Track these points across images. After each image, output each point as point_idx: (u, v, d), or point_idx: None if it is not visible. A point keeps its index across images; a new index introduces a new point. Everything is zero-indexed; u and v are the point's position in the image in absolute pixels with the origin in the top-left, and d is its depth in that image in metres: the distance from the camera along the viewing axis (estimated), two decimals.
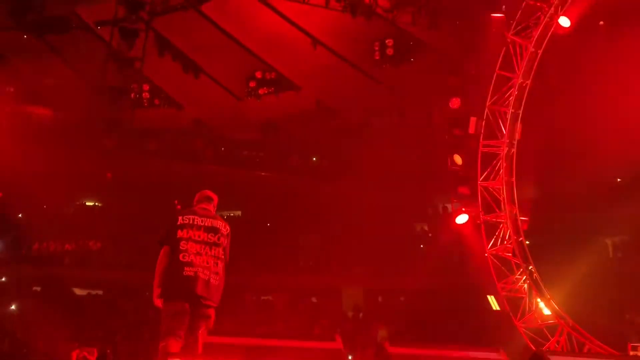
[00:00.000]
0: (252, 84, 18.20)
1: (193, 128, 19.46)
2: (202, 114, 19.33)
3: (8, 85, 17.91)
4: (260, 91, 18.10)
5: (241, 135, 19.66)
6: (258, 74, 18.07)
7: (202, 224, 4.98)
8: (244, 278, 17.75)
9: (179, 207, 21.53)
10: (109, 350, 11.77)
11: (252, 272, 17.65)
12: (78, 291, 17.26)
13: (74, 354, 4.84)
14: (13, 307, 15.30)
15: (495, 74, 11.57)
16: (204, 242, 4.96)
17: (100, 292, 17.25)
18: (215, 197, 5.36)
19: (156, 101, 18.42)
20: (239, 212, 21.12)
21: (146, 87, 17.90)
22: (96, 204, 20.29)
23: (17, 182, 16.62)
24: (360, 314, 17.22)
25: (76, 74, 17.12)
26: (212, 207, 5.30)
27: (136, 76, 12.52)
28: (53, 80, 17.50)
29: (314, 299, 18.83)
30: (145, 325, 14.55)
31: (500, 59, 11.53)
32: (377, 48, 15.92)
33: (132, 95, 12.67)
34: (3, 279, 16.85)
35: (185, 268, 4.61)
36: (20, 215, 17.91)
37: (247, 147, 19.72)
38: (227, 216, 21.24)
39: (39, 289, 16.77)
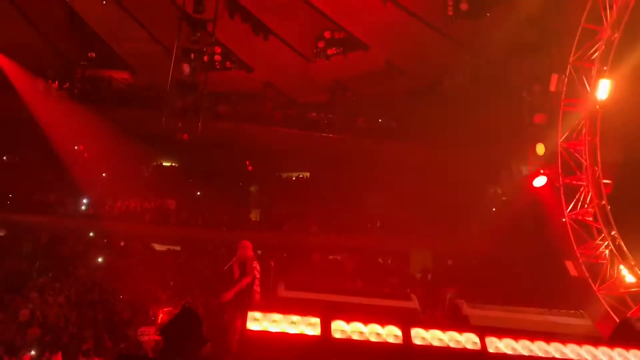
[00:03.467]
0: (320, 45, 18.06)
1: (263, 90, 19.69)
2: (272, 76, 19.47)
3: (89, 50, 18.81)
4: (329, 51, 17.94)
5: (309, 97, 19.64)
6: (327, 34, 17.89)
7: None
8: (312, 238, 18.11)
9: (250, 168, 22.10)
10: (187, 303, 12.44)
11: (320, 233, 17.93)
12: (157, 247, 18.23)
13: (160, 312, 5.16)
14: (100, 259, 16.41)
15: (580, 27, 10.75)
16: None
17: (178, 248, 18.14)
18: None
19: (227, 64, 18.72)
20: (307, 174, 21.34)
21: (218, 49, 18.20)
22: (172, 164, 21.15)
23: (101, 144, 17.60)
24: (429, 276, 17.13)
25: (151, 37, 17.66)
26: None
27: (209, 38, 12.68)
28: (130, 43, 18.17)
29: (380, 260, 18.91)
30: (217, 282, 15.20)
31: (586, 10, 10.68)
32: (450, 3, 15.24)
33: (205, 58, 12.87)
34: (91, 234, 18.05)
35: None
36: (103, 175, 18.99)
37: (315, 108, 19.70)
38: (296, 177, 21.57)
39: (122, 243, 17.86)
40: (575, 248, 10.84)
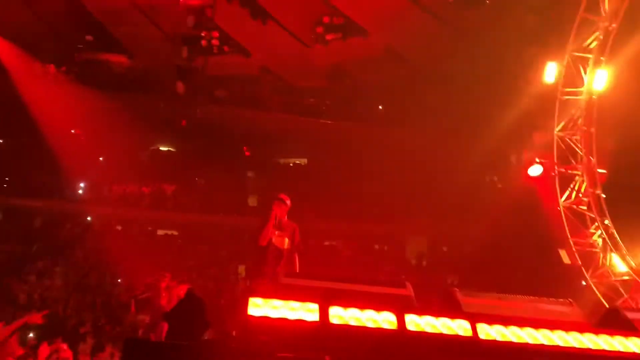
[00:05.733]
0: (319, 30, 17.97)
1: (261, 75, 19.64)
2: (270, 61, 19.40)
3: (86, 34, 18.68)
4: (328, 37, 17.85)
5: (307, 82, 19.61)
6: (325, 19, 17.80)
7: None
8: (308, 224, 18.16)
9: (247, 153, 22.19)
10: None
11: (316, 219, 18.03)
12: (154, 231, 18.33)
13: (164, 284, 5.25)
14: (98, 243, 16.51)
15: (578, 17, 10.78)
16: None
17: (175, 233, 18.25)
18: None
19: (225, 48, 18.62)
20: (304, 160, 21.39)
21: (216, 34, 18.10)
22: (170, 149, 21.17)
23: (98, 128, 17.58)
24: (424, 262, 17.32)
25: (150, 21, 17.55)
26: None
27: (208, 23, 12.65)
28: (128, 27, 18.04)
29: (377, 246, 19.07)
30: (215, 266, 15.36)
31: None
32: None
33: (204, 42, 12.84)
34: (88, 218, 18.13)
35: None
36: (101, 159, 19.01)
37: (313, 94, 19.69)
38: (294, 163, 21.63)
39: (120, 227, 17.96)
40: (569, 236, 10.98)
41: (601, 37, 10.70)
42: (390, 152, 17.88)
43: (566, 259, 10.92)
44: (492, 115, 15.75)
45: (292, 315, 3.22)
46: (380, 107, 20.57)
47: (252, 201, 19.47)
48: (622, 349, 3.67)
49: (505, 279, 13.46)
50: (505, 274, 13.99)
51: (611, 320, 4.17)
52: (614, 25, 10.63)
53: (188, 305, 3.29)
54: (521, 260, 14.08)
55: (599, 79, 10.77)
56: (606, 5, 10.50)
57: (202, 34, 12.47)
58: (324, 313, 3.30)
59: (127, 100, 17.57)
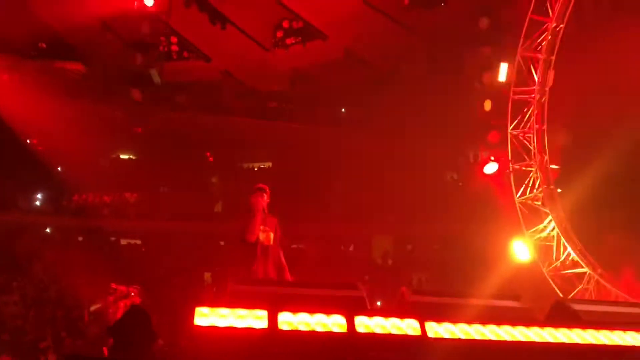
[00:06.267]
0: (279, 34, 18.02)
1: (222, 80, 19.54)
2: (230, 66, 19.33)
3: (40, 41, 18.23)
4: (288, 41, 17.93)
5: (269, 86, 19.62)
6: (285, 24, 17.86)
7: None
8: None
9: (211, 159, 22.01)
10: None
11: (282, 222, 18.01)
12: (117, 241, 18.00)
13: (111, 297, 5.14)
14: (57, 256, 16.12)
15: (527, 18, 11.12)
16: None
17: (139, 242, 17.97)
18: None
19: (185, 54, 18.47)
20: (269, 164, 21.38)
21: (174, 39, 17.92)
22: (130, 157, 20.83)
23: (55, 137, 17.17)
24: (390, 261, 17.53)
25: (105, 27, 17.24)
26: None
27: (164, 29, 12.53)
28: (84, 34, 17.68)
29: (343, 247, 19.20)
30: (179, 275, 15.21)
31: (533, 2, 11.05)
32: None
33: (161, 48, 12.72)
34: (47, 230, 17.68)
35: None
36: (59, 169, 18.56)
37: (275, 98, 19.70)
38: (258, 168, 21.57)
39: (81, 238, 17.57)
40: (525, 231, 11.30)
41: (549, 37, 11.06)
42: (354, 154, 18.04)
43: (522, 254, 11.23)
44: (450, 114, 16.08)
45: (240, 324, 3.24)
46: (343, 109, 20.74)
47: (217, 207, 19.33)
48: (566, 341, 3.81)
49: (467, 274, 13.75)
50: (466, 269, 14.29)
51: (558, 313, 4.33)
52: (561, 26, 11.00)
53: (131, 318, 3.25)
54: (482, 256, 14.38)
55: (548, 78, 11.14)
56: (553, 8, 10.86)
57: (159, 40, 12.34)
58: (272, 319, 3.33)
59: (85, 108, 17.22)
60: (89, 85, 18.27)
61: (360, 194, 18.36)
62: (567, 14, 10.81)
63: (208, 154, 20.60)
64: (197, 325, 3.13)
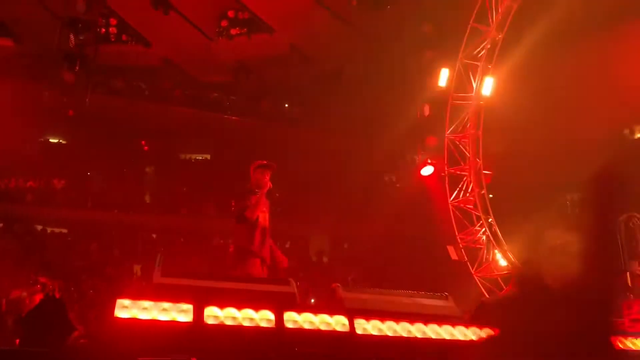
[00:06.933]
0: (223, 24, 17.68)
1: (162, 67, 18.95)
2: (171, 53, 18.78)
3: None
4: (232, 31, 17.62)
5: (211, 76, 19.22)
6: (230, 13, 17.55)
7: None
8: (210, 222, 17.84)
9: (146, 147, 21.24)
10: (72, 288, 11.83)
11: (219, 216, 17.71)
12: (42, 229, 17.08)
13: (27, 289, 4.78)
14: None
15: (469, 27, 11.45)
16: None
17: (64, 231, 17.12)
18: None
19: (124, 37, 17.79)
20: (207, 156, 20.94)
21: (113, 21, 17.21)
22: (60, 141, 19.82)
23: None
24: (325, 259, 17.58)
25: (40, 4, 16.30)
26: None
27: (101, 9, 11.95)
28: (15, 7, 16.64)
29: (279, 244, 19.06)
30: (107, 267, 14.63)
31: (475, 10, 11.38)
32: None
33: (97, 29, 12.13)
34: None
35: None
36: None
37: (217, 89, 19.31)
38: (195, 159, 21.08)
39: (1, 225, 16.54)
40: (457, 234, 11.63)
41: (489, 46, 11.42)
42: (295, 151, 17.95)
43: (454, 255, 11.54)
44: (392, 116, 16.32)
45: (163, 317, 3.10)
46: (286, 105, 20.63)
47: (149, 198, 18.72)
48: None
49: (400, 273, 14.01)
50: (400, 268, 14.56)
51: (482, 314, 4.44)
52: (500, 36, 11.38)
53: (44, 308, 3.04)
54: (416, 256, 14.71)
55: (486, 86, 11.50)
56: (494, 17, 11.21)
57: (97, 20, 11.76)
58: (198, 313, 3.21)
59: (13, 87, 16.20)
60: (19, 63, 17.21)
61: (299, 191, 18.30)
62: (507, 25, 11.19)
63: (143, 142, 19.91)
64: (117, 318, 2.97)
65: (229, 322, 3.28)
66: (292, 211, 18.61)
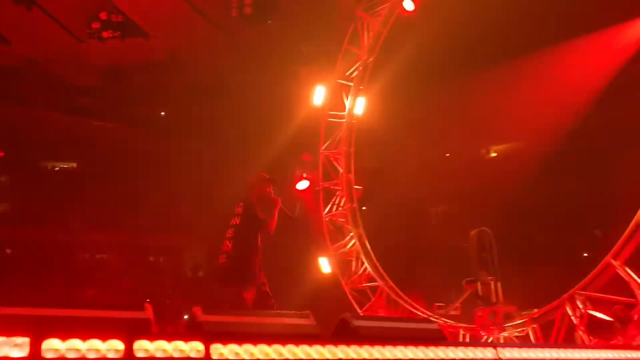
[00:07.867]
0: (95, 25, 16.68)
1: (24, 67, 17.44)
2: (35, 53, 17.35)
3: None
4: (104, 34, 16.67)
5: (80, 80, 18.06)
6: (102, 15, 16.62)
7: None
8: (75, 236, 16.65)
9: (1, 154, 19.36)
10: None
11: (85, 230, 16.62)
12: None
13: None
14: None
15: (343, 48, 11.94)
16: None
17: None
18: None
19: None
20: (74, 164, 19.59)
21: None
22: None
23: None
24: (200, 274, 17.19)
25: None
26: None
27: None
28: None
29: (152, 258, 18.34)
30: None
31: (349, 33, 11.90)
32: (234, 4, 15.46)
33: None
34: None
35: None
36: None
37: (86, 93, 18.18)
38: (60, 168, 19.59)
39: None
40: (330, 246, 11.98)
41: (361, 68, 11.99)
42: (170, 161, 17.42)
43: (326, 268, 11.86)
44: (272, 130, 16.46)
45: None
46: (162, 113, 19.96)
47: (3, 208, 17.06)
48: (343, 357, 4.03)
49: (278, 288, 14.04)
50: (277, 283, 14.59)
51: (341, 330, 4.58)
52: (371, 59, 12.01)
53: None
54: (291, 270, 14.87)
55: (358, 105, 12.06)
56: (365, 41, 11.81)
57: None
58: (35, 347, 2.95)
59: None
60: None
61: (174, 203, 17.74)
62: (377, 48, 11.83)
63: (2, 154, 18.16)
64: None
65: (71, 355, 3.04)
66: (166, 224, 17.99)
